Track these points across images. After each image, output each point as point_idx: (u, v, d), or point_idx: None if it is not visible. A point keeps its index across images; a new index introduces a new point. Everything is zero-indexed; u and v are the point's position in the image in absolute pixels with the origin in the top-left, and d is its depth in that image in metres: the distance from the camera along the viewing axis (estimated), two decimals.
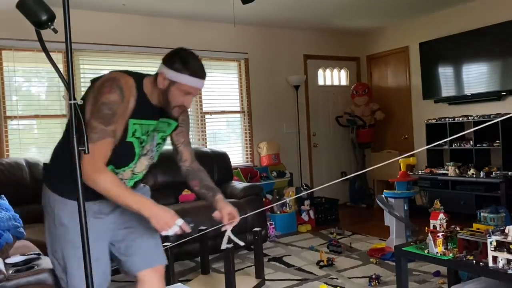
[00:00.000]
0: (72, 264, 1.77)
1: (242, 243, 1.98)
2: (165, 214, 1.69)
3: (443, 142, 5.71)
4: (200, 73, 1.78)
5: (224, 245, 1.99)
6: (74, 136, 1.62)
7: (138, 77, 1.80)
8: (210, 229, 1.87)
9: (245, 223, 4.29)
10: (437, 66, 6.01)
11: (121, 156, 1.77)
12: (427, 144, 5.83)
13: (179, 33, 5.60)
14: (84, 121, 1.66)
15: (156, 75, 1.79)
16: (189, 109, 1.97)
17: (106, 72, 1.84)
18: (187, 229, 1.71)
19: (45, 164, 1.89)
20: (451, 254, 2.50)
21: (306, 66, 6.79)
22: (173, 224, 1.68)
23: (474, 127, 5.33)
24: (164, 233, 1.70)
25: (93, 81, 1.79)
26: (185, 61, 1.75)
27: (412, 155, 4.81)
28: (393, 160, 2.43)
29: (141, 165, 1.89)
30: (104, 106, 1.65)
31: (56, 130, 4.93)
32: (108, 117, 1.66)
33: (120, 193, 1.69)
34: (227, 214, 1.90)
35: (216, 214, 1.93)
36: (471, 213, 4.47)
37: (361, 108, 6.75)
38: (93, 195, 1.70)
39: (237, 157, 6.08)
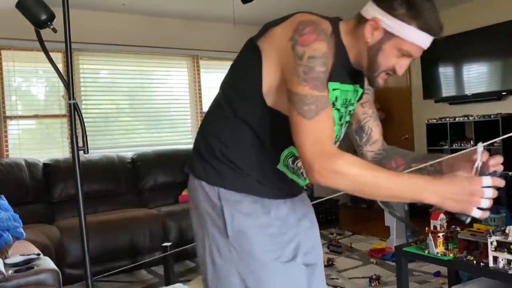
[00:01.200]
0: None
1: None
2: (459, 187, 1.06)
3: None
4: (435, 27, 1.17)
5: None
6: (74, 136, 1.62)
7: (334, 22, 1.27)
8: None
9: None
10: (437, 66, 6.01)
11: None
12: (428, 144, 5.83)
13: (179, 33, 5.59)
14: (259, 89, 1.20)
15: (360, 20, 1.23)
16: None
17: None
18: (501, 182, 1.10)
19: (198, 150, 1.33)
20: (451, 255, 2.49)
21: None
22: (480, 192, 1.05)
23: (474, 127, 5.34)
24: (475, 215, 1.08)
25: (270, 26, 1.24)
26: (415, 4, 1.15)
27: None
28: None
29: None
30: (314, 61, 1.10)
31: (55, 130, 4.94)
32: (322, 77, 1.11)
33: (384, 179, 1.07)
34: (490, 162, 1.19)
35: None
36: None
37: None
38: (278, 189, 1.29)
39: None
